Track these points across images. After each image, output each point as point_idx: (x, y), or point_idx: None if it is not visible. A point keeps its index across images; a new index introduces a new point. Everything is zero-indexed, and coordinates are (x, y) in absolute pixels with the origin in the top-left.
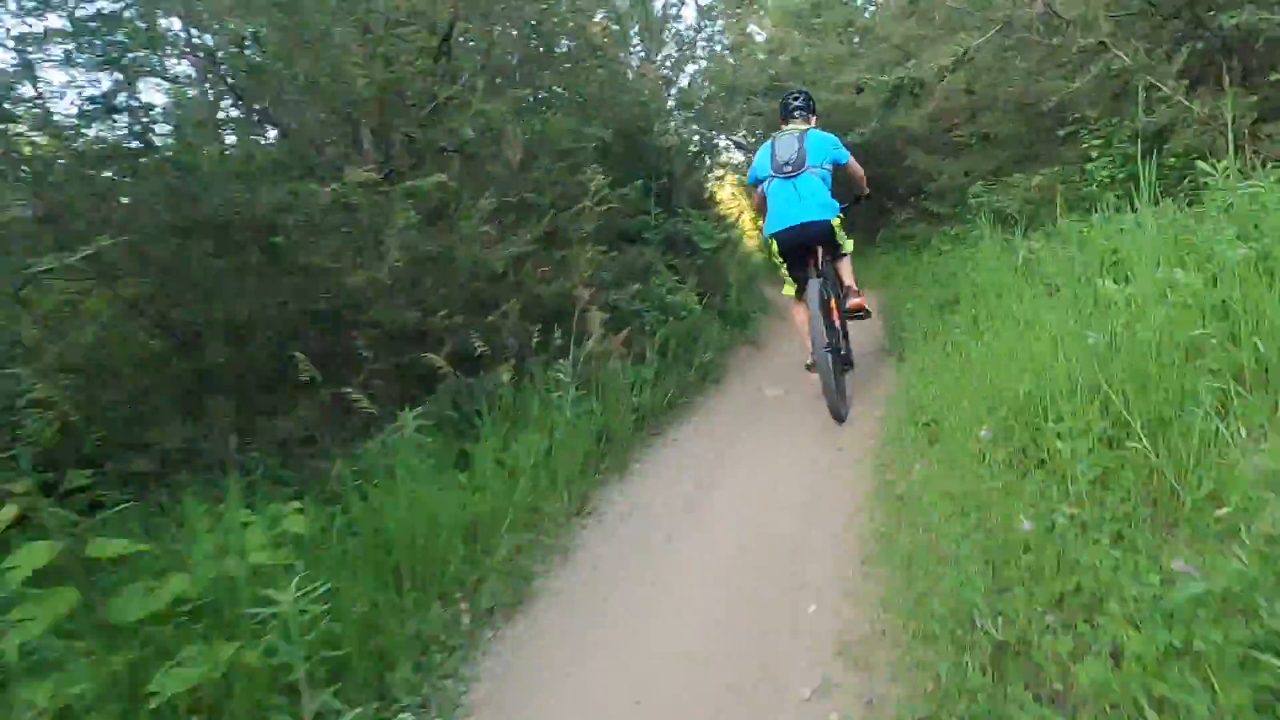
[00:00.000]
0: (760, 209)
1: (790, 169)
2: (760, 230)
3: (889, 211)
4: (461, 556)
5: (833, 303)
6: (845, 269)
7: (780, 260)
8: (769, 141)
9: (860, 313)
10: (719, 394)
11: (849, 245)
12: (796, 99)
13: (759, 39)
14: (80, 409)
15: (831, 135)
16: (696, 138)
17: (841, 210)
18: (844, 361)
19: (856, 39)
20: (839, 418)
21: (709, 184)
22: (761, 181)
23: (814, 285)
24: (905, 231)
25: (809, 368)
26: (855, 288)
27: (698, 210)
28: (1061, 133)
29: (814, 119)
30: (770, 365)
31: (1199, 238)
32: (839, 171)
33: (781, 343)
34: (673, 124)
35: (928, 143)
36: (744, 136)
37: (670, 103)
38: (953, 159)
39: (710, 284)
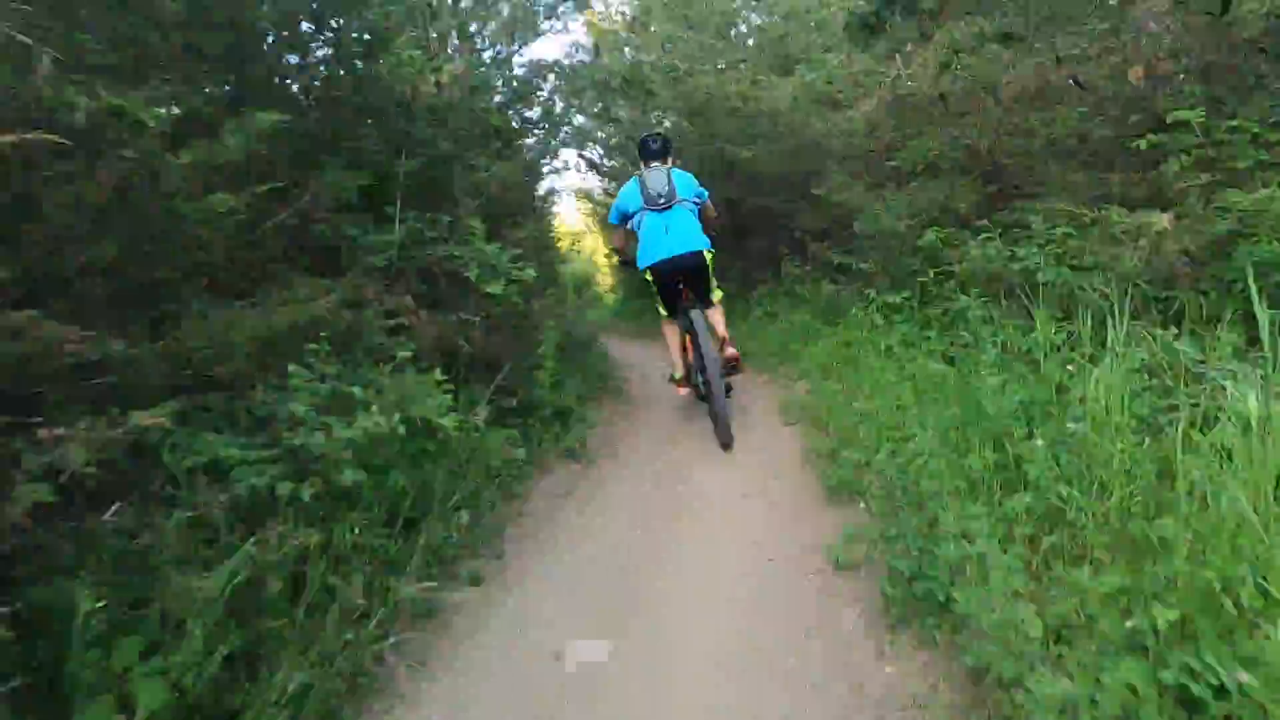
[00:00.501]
0: (624, 246)
1: (664, 201)
2: (616, 268)
3: (778, 259)
4: None
5: (698, 340)
6: (718, 318)
7: (657, 293)
8: (635, 178)
9: (735, 368)
10: (442, 677)
11: (719, 294)
12: (655, 142)
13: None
14: None
15: (688, 173)
16: (500, 100)
17: (712, 245)
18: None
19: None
20: (726, 446)
21: (541, 195)
22: (630, 216)
23: (696, 313)
24: (804, 291)
25: (674, 381)
26: (728, 338)
27: (484, 225)
28: (1143, 142)
29: (670, 160)
30: (605, 526)
31: None
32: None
33: (634, 445)
34: (446, 63)
35: (854, 164)
36: (599, 154)
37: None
38: (880, 192)
39: (508, 355)
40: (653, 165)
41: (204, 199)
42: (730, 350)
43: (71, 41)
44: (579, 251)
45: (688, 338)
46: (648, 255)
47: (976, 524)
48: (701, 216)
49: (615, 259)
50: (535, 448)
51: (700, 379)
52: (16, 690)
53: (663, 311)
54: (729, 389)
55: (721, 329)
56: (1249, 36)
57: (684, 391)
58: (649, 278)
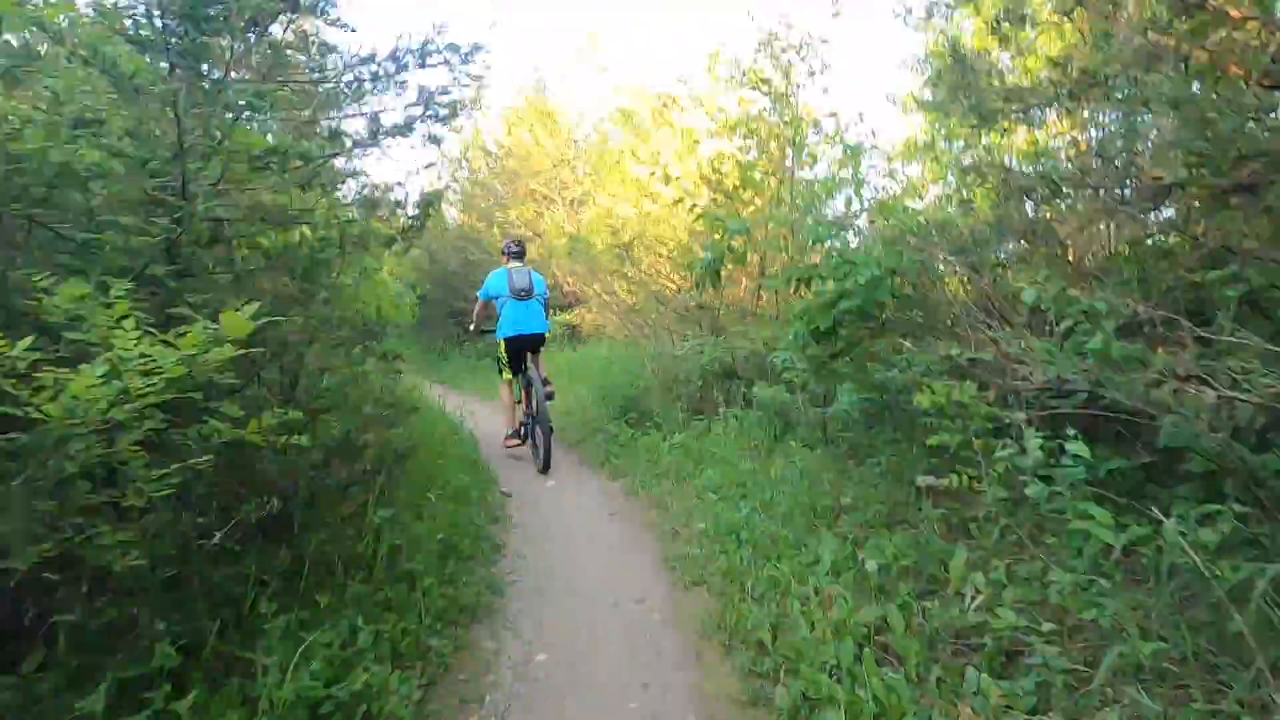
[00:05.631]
0: (484, 316)
1: (524, 294)
2: (490, 333)
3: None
4: None
5: (532, 390)
6: (542, 363)
7: (506, 357)
8: (504, 269)
9: (551, 394)
10: None
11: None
12: (517, 246)
13: None
14: None
15: (540, 274)
16: None
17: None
18: (544, 427)
19: None
20: (544, 467)
21: None
22: (495, 299)
23: (533, 369)
24: None
25: (508, 437)
26: (547, 377)
27: None
28: None
29: (525, 261)
30: None
31: None
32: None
33: None
34: None
35: None
36: None
37: None
38: None
39: None
40: (515, 263)
41: None
42: (549, 388)
43: None
44: None
45: (525, 390)
46: (507, 330)
47: None
48: (545, 304)
49: (471, 325)
50: None
51: (531, 419)
52: None
53: (505, 375)
54: (549, 426)
55: (543, 370)
56: None
57: (514, 444)
58: (502, 344)
